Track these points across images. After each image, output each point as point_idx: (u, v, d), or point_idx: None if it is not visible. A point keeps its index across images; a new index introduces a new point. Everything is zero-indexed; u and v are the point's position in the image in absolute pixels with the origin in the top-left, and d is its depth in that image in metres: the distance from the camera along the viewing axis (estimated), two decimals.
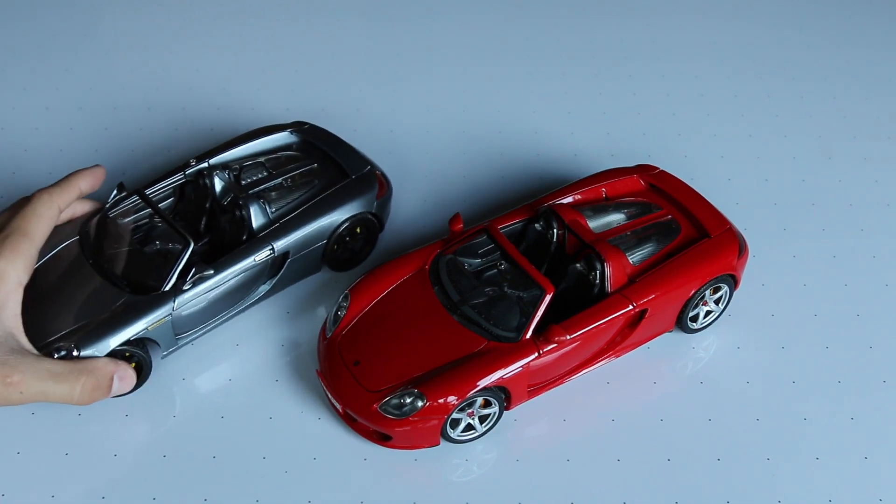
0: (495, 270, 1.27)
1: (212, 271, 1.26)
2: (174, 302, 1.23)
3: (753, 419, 1.26)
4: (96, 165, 1.32)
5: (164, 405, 1.26)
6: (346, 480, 1.19)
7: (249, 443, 1.22)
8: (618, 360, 1.29)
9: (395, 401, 1.16)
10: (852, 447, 1.24)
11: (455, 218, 1.31)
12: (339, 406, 1.21)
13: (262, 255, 1.30)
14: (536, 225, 1.33)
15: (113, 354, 1.20)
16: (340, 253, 1.38)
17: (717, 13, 1.88)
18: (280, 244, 1.31)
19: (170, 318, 1.24)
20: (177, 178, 1.36)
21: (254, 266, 1.29)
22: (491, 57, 1.76)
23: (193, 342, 1.30)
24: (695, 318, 1.32)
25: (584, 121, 1.65)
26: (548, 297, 1.20)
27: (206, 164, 1.36)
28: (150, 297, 1.23)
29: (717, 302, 1.32)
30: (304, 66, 1.73)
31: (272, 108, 1.62)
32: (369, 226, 1.39)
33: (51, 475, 1.18)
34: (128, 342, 1.21)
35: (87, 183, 1.30)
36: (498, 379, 1.17)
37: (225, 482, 1.19)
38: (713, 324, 1.34)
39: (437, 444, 1.20)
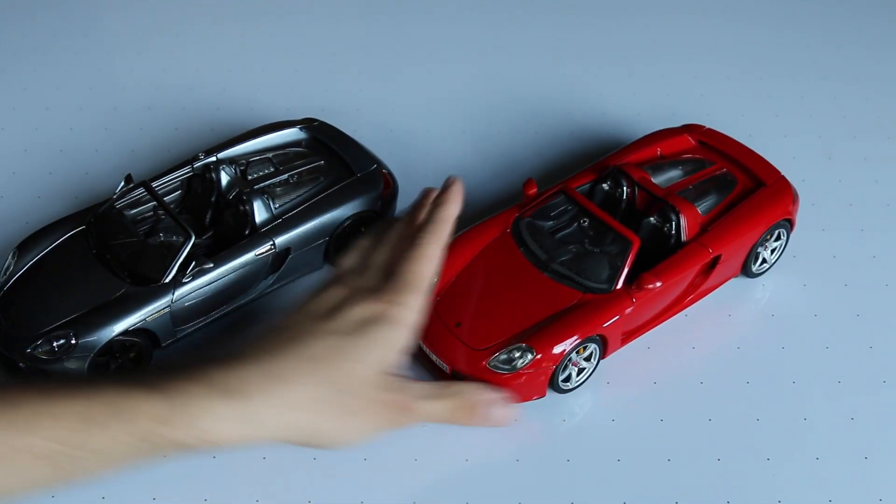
0: (573, 229, 1.34)
1: (211, 265, 1.26)
2: (173, 294, 1.24)
3: (753, 419, 1.26)
4: (455, 181, 1.20)
5: None
6: (344, 480, 1.19)
7: None
8: (618, 358, 1.30)
9: (503, 356, 1.21)
10: (852, 447, 1.24)
11: (528, 183, 1.37)
12: (446, 367, 1.25)
13: (263, 249, 1.30)
14: (604, 185, 1.39)
15: (112, 344, 1.21)
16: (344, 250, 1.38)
17: (717, 13, 1.88)
18: (282, 240, 1.31)
19: (168, 309, 1.24)
20: (184, 172, 1.37)
21: (255, 261, 1.30)
22: (490, 54, 1.77)
23: (194, 334, 1.31)
24: (757, 263, 1.39)
25: (583, 121, 1.65)
26: (635, 248, 1.27)
27: (214, 158, 1.37)
28: (150, 288, 1.24)
29: (775, 248, 1.40)
30: (305, 65, 1.73)
31: (272, 108, 1.62)
32: (372, 224, 1.39)
33: None
34: (126, 332, 1.21)
35: (456, 209, 1.20)
36: (598, 328, 1.23)
37: (224, 481, 1.19)
38: (773, 267, 1.41)
39: (544, 395, 1.24)
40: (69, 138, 1.58)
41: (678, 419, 1.26)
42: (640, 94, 1.71)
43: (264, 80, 1.70)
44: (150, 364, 1.26)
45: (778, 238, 1.39)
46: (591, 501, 1.18)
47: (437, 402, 1.13)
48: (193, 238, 1.25)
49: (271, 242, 1.31)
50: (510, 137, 1.62)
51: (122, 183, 1.33)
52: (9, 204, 1.47)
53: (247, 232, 1.31)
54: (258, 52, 1.75)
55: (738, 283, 1.40)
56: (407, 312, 1.11)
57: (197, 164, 1.37)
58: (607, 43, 1.81)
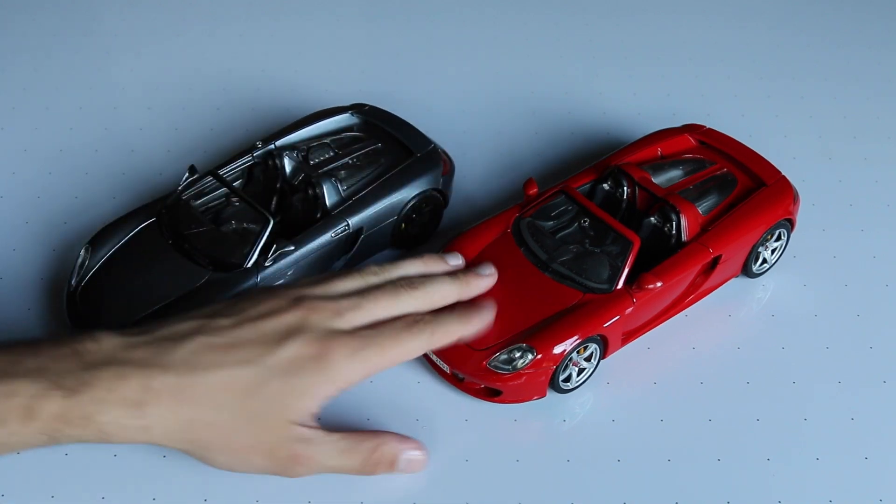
0: (573, 229, 1.34)
1: (293, 247, 1.28)
2: (257, 278, 1.26)
3: (753, 419, 1.26)
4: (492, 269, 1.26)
5: None
6: (344, 480, 1.19)
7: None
8: (618, 358, 1.30)
9: (504, 356, 1.22)
10: (852, 447, 1.24)
11: (529, 182, 1.37)
12: (446, 367, 1.25)
13: (339, 231, 1.32)
14: (605, 185, 1.39)
15: None
16: (409, 229, 1.41)
17: (717, 13, 1.88)
18: (355, 220, 1.33)
19: None
20: (244, 161, 1.38)
21: (331, 242, 1.31)
22: (490, 54, 1.77)
23: None
24: (757, 263, 1.40)
25: (583, 121, 1.65)
26: (635, 248, 1.27)
27: (272, 146, 1.39)
28: (233, 274, 1.25)
29: (776, 247, 1.41)
30: (305, 63, 1.73)
31: (273, 108, 1.62)
32: (435, 202, 1.41)
33: (51, 475, 1.18)
34: None
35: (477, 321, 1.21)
36: (599, 328, 1.23)
37: (224, 481, 1.19)
38: (773, 267, 1.41)
39: (544, 395, 1.25)
40: (69, 138, 1.58)
41: (678, 419, 1.26)
42: (640, 94, 1.71)
43: (265, 80, 1.70)
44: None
45: (778, 238, 1.40)
46: (591, 501, 1.18)
47: (346, 457, 1.10)
48: (272, 221, 1.26)
49: (346, 223, 1.32)
50: (510, 137, 1.62)
51: (187, 174, 1.34)
52: (9, 204, 1.47)
53: (318, 215, 1.33)
54: (258, 50, 1.75)
55: (738, 283, 1.40)
56: (348, 364, 1.05)
57: (257, 153, 1.38)
58: (607, 43, 1.81)
